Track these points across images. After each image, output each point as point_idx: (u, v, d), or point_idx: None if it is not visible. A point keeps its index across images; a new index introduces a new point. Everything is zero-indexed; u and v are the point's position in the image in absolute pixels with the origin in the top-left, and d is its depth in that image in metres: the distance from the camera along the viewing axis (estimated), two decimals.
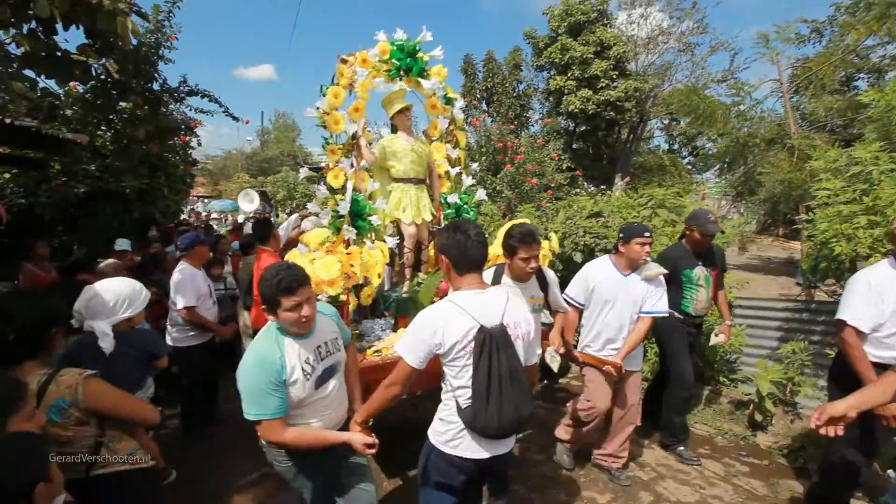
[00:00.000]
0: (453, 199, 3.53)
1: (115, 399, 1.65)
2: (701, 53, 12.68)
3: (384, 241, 3.12)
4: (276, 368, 1.64)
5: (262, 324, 3.14)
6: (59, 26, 4.24)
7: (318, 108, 3.15)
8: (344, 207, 2.95)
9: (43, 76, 4.30)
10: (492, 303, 1.70)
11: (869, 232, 3.12)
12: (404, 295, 3.26)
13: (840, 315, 2.26)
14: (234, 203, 18.65)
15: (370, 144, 3.28)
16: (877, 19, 5.74)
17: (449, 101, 3.60)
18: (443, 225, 3.45)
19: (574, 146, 14.46)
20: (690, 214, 3.27)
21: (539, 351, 1.95)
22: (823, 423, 1.63)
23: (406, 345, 1.70)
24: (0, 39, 4.29)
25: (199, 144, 8.34)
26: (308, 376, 1.71)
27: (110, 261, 3.81)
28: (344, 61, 3.18)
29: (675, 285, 3.19)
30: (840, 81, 10.00)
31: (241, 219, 14.11)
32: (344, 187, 3.05)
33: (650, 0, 13.01)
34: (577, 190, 10.16)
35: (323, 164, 3.21)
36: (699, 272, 3.18)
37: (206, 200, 25.86)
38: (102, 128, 6.35)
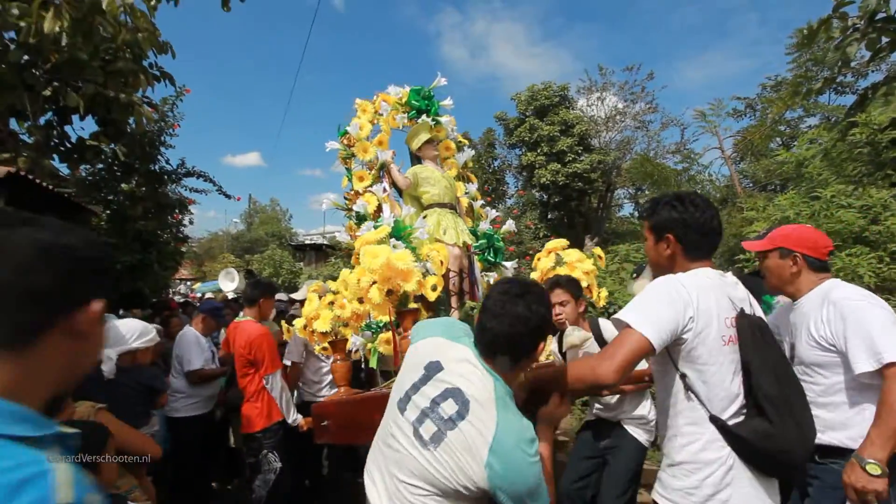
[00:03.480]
0: (485, 226, 3.51)
1: (124, 432, 1.70)
2: (654, 129, 14.11)
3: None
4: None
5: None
6: (74, 117, 4.84)
7: (343, 142, 3.20)
8: (388, 222, 2.78)
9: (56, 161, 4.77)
10: (738, 288, 1.39)
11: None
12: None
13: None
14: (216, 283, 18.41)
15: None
16: (790, 95, 6.73)
17: (460, 148, 3.76)
18: (474, 257, 3.37)
19: (549, 216, 15.33)
20: None
21: None
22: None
23: (636, 312, 1.28)
24: (14, 130, 4.82)
25: (192, 223, 8.76)
26: None
27: None
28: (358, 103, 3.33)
29: None
30: (779, 147, 11.20)
31: (230, 296, 13.98)
32: (378, 210, 3.03)
33: (604, 86, 14.64)
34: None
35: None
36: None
37: (189, 283, 25.77)
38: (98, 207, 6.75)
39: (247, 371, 2.88)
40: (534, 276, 3.21)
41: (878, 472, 1.44)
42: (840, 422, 1.60)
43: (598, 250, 3.23)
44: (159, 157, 6.55)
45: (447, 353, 1.28)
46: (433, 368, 1.26)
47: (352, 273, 2.51)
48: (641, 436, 2.36)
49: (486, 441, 1.12)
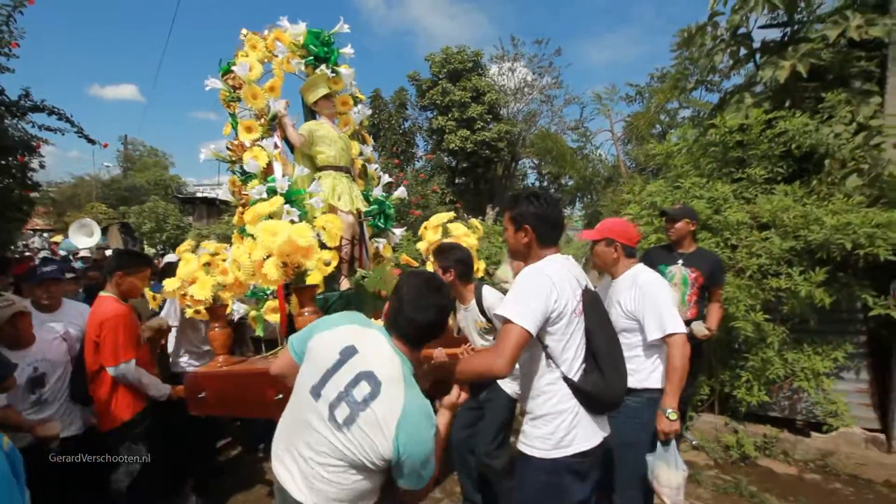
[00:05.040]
0: (377, 192, 3.44)
1: None
2: (558, 105, 14.82)
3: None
4: None
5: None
6: None
7: (226, 81, 2.80)
8: (281, 184, 2.56)
9: None
10: (578, 269, 1.68)
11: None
12: (349, 291, 2.90)
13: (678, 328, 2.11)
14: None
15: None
16: (670, 89, 7.47)
17: (356, 102, 3.53)
18: (363, 222, 3.30)
19: (457, 181, 15.58)
20: None
21: None
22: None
23: (516, 307, 1.48)
24: None
25: (43, 167, 7.36)
26: None
27: None
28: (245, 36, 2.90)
29: None
30: (659, 134, 12.48)
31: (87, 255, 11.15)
32: (268, 168, 2.72)
33: (516, 56, 14.91)
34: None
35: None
36: (675, 270, 3.13)
37: (45, 234, 22.08)
38: None
39: (96, 356, 2.41)
40: (420, 246, 3.29)
41: (675, 416, 2.02)
42: (634, 369, 2.09)
43: (475, 222, 3.40)
44: None
45: (363, 337, 1.38)
46: (348, 353, 1.34)
47: (241, 248, 2.31)
48: (512, 389, 2.61)
49: (395, 416, 1.26)
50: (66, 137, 6.32)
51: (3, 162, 6.14)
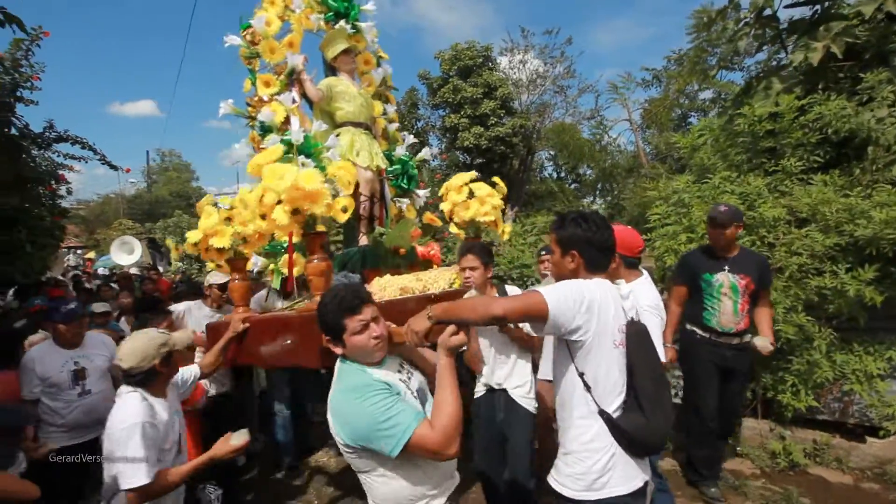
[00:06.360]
0: (401, 151, 3.35)
1: None
2: (572, 94, 14.47)
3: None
4: (380, 385, 1.39)
5: None
6: None
7: (245, 37, 2.83)
8: (296, 136, 2.45)
9: None
10: (628, 302, 1.60)
11: (688, 247, 3.90)
12: (367, 247, 2.86)
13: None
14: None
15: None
16: (689, 73, 7.18)
17: (379, 62, 3.46)
18: (385, 180, 3.17)
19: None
20: None
21: None
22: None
23: (552, 291, 1.44)
24: None
25: (70, 193, 7.58)
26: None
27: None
28: None
29: (695, 293, 2.98)
30: (679, 117, 12.06)
31: (133, 271, 11.60)
32: (286, 122, 2.71)
33: (526, 48, 14.61)
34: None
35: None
36: (722, 278, 2.88)
37: (79, 251, 22.91)
38: None
39: None
40: (443, 207, 3.04)
41: None
42: None
43: (497, 179, 3.06)
44: (14, 118, 5.46)
45: None
46: None
47: (251, 191, 2.21)
48: (530, 404, 2.54)
49: (330, 413, 1.39)
50: (90, 157, 6.44)
51: (33, 192, 6.34)
